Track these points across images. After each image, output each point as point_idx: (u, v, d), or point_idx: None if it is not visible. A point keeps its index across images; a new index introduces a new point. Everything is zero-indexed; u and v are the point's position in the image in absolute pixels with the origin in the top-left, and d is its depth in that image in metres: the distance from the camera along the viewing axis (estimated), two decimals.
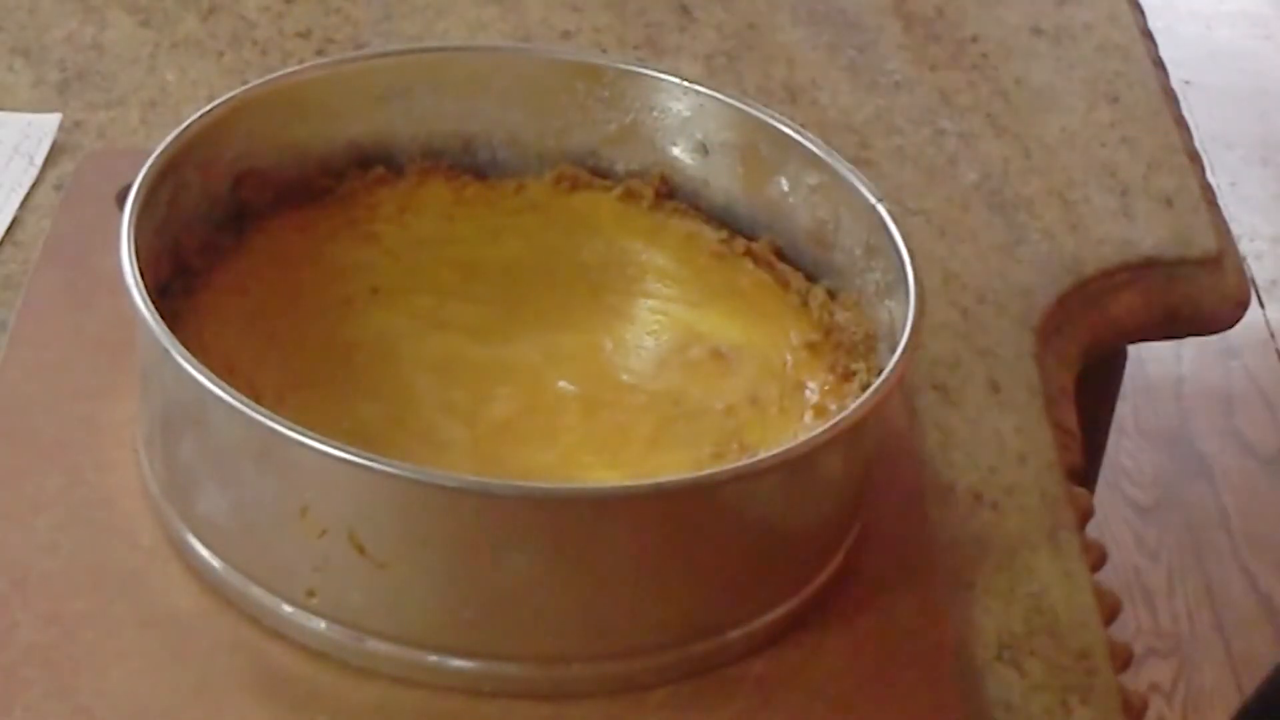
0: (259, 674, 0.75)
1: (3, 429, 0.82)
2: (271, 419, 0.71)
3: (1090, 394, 0.99)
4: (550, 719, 0.73)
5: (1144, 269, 1.00)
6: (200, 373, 0.72)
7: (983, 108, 1.09)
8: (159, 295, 0.77)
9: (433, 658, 0.74)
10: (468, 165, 0.91)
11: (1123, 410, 1.03)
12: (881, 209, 0.83)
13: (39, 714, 0.72)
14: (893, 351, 0.77)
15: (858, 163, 0.90)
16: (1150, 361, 1.00)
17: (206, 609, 0.76)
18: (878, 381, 0.76)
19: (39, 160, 0.98)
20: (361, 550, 0.72)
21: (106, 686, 0.73)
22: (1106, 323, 1.00)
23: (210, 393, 0.72)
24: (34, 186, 0.96)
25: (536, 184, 0.90)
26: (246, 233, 0.86)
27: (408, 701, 0.74)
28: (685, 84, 0.89)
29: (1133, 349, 1.04)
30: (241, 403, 0.71)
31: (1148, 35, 1.17)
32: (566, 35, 1.11)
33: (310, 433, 0.70)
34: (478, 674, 0.74)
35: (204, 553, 0.77)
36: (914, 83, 1.10)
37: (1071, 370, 0.97)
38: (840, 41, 1.13)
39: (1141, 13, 1.19)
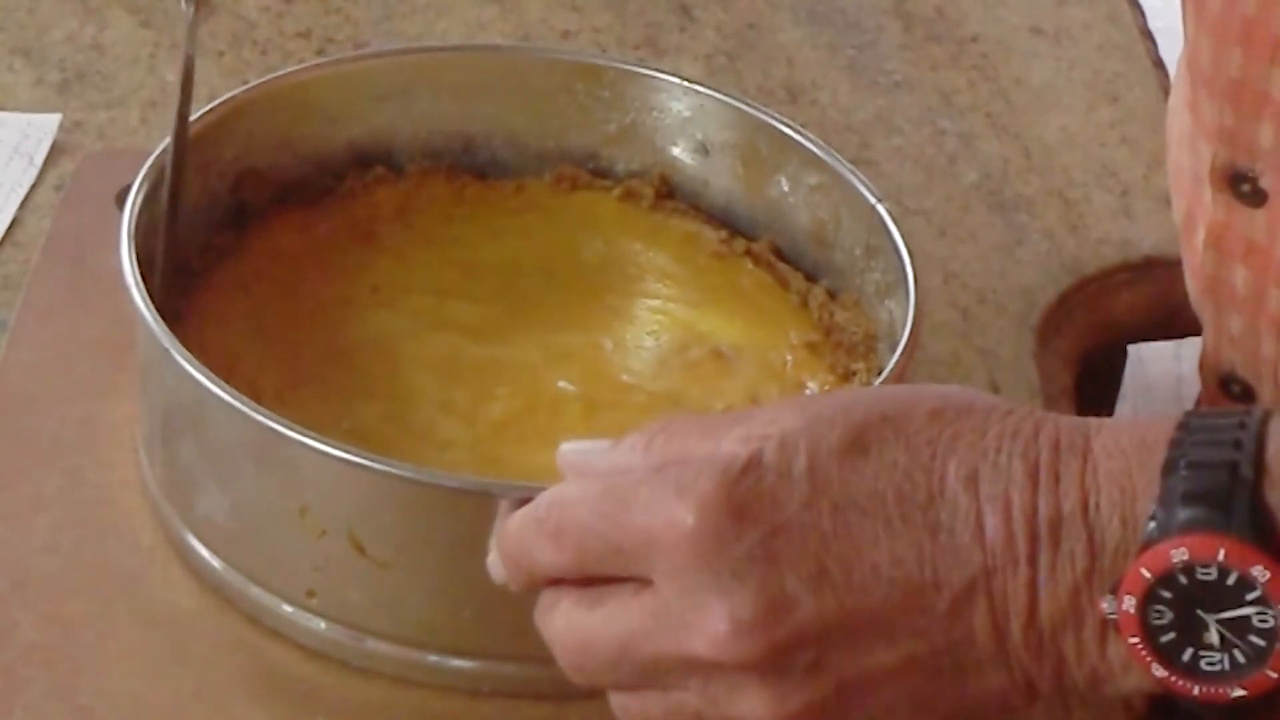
0: (259, 674, 0.75)
1: (3, 429, 0.82)
2: (272, 419, 0.71)
3: (1090, 394, 0.99)
4: (550, 719, 0.73)
5: (1144, 269, 1.00)
6: (200, 373, 0.72)
7: (983, 108, 1.09)
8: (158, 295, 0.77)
9: (433, 658, 0.74)
10: (468, 165, 0.91)
11: (1123, 410, 1.03)
12: (882, 209, 0.83)
13: (39, 714, 0.72)
14: (893, 351, 0.77)
15: (858, 163, 0.90)
16: (1150, 361, 1.00)
17: (206, 609, 0.76)
18: (877, 382, 0.76)
19: (39, 160, 0.97)
20: (361, 550, 0.72)
21: (106, 686, 0.73)
22: (1106, 323, 1.00)
23: (210, 393, 0.72)
24: (34, 186, 0.96)
25: (536, 184, 0.90)
26: (246, 233, 0.86)
27: (408, 701, 0.74)
28: (685, 84, 0.89)
29: (1133, 349, 1.04)
30: (241, 403, 0.71)
31: (1148, 35, 1.17)
32: (566, 35, 1.10)
33: (310, 433, 0.70)
34: (478, 674, 0.74)
35: (204, 553, 0.77)
36: (914, 83, 1.10)
37: (1071, 370, 0.97)
38: (840, 41, 1.12)
39: (1141, 13, 1.19)
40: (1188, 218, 0.78)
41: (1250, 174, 0.73)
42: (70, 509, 0.79)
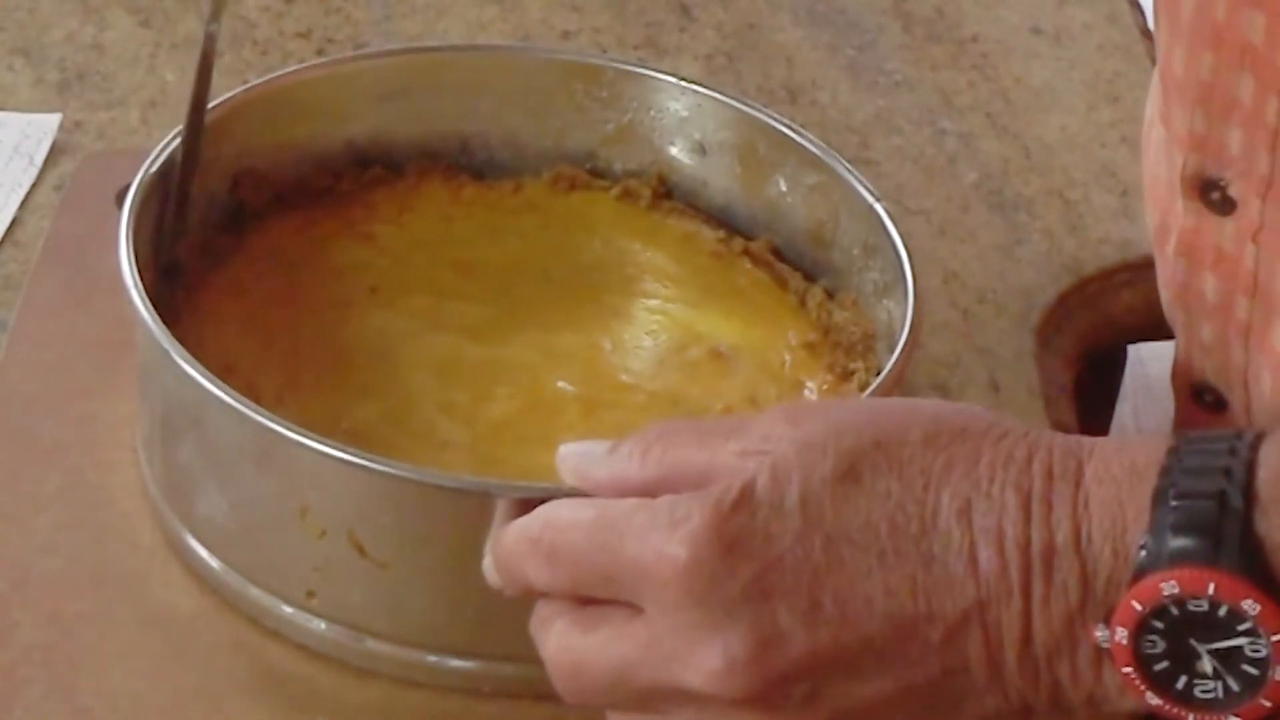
0: (259, 674, 0.75)
1: (3, 429, 0.82)
2: (272, 420, 0.71)
3: (1090, 394, 0.99)
4: (549, 719, 0.73)
5: (1144, 269, 1.00)
6: (200, 373, 0.72)
7: (983, 108, 1.09)
8: (157, 295, 0.77)
9: (432, 658, 0.74)
10: (465, 165, 0.91)
11: (1123, 410, 1.02)
12: (880, 209, 0.83)
13: (39, 714, 0.72)
14: (891, 351, 0.77)
15: (858, 163, 0.90)
16: (1150, 361, 1.00)
17: (206, 609, 0.76)
18: (876, 381, 0.76)
19: (39, 160, 0.97)
20: (361, 551, 0.72)
21: (106, 686, 0.73)
22: (1106, 323, 1.00)
23: (210, 394, 0.72)
24: (34, 186, 0.96)
25: (534, 184, 0.90)
26: (245, 233, 0.86)
27: (407, 702, 0.74)
28: (683, 84, 0.89)
29: (1133, 349, 1.04)
30: (241, 404, 0.71)
31: (1148, 35, 1.17)
32: (566, 35, 1.10)
33: (310, 434, 0.70)
34: (477, 674, 0.74)
35: (203, 553, 0.77)
36: (914, 83, 1.10)
37: (1071, 370, 0.97)
38: (840, 41, 1.13)
39: (1142, 13, 1.19)
40: (1161, 227, 0.78)
41: (1220, 182, 0.73)
42: (70, 509, 0.79)
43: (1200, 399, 0.79)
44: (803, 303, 0.86)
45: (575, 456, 0.65)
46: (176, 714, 0.73)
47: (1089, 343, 0.99)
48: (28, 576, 0.77)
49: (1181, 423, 0.81)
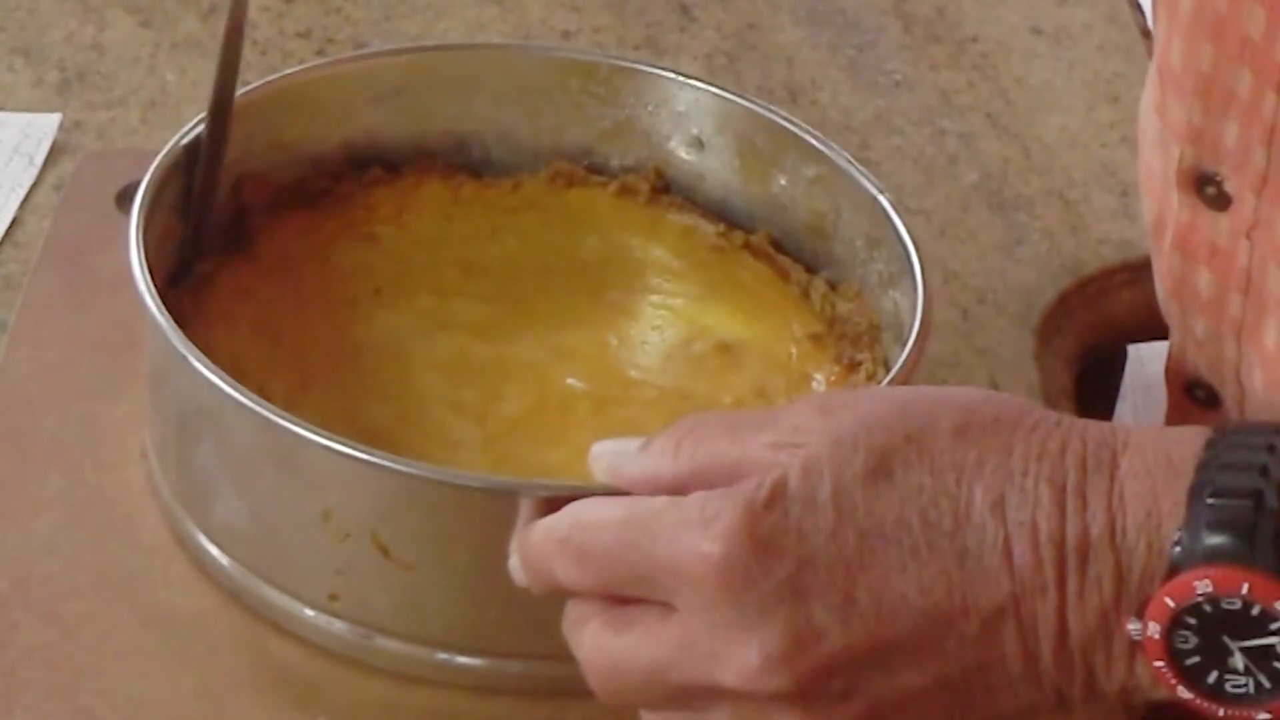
0: (261, 672, 0.74)
1: (3, 429, 0.82)
2: (295, 423, 0.70)
3: (1090, 394, 0.99)
4: (553, 717, 0.73)
5: (1144, 269, 1.00)
6: (220, 378, 0.72)
7: (983, 108, 1.09)
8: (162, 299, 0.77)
9: (440, 655, 0.74)
10: (462, 164, 0.90)
11: (1123, 410, 1.03)
12: (884, 200, 0.83)
13: (39, 714, 0.72)
14: (897, 341, 0.77)
15: (857, 163, 0.90)
16: (1150, 361, 1.00)
17: (207, 608, 0.76)
18: (895, 368, 0.76)
19: (39, 160, 0.97)
20: (386, 553, 0.72)
21: (107, 686, 0.73)
22: (1106, 322, 1.00)
23: (230, 398, 0.71)
24: (34, 186, 0.96)
25: (532, 182, 0.90)
26: (248, 236, 0.86)
27: (412, 699, 0.74)
28: (680, 79, 0.89)
29: (1133, 349, 1.04)
30: (265, 408, 0.71)
31: (1148, 35, 1.17)
32: (566, 35, 1.10)
33: (335, 436, 0.70)
34: (484, 671, 0.74)
35: (219, 557, 0.76)
36: (914, 83, 1.10)
37: (1071, 370, 0.97)
38: (840, 41, 1.13)
39: (1141, 13, 1.19)
40: (1157, 221, 0.78)
41: (1215, 176, 0.73)
42: (71, 509, 0.79)
43: (1192, 394, 0.79)
44: (805, 295, 0.86)
45: (609, 455, 0.65)
46: (178, 713, 0.73)
47: (1089, 343, 0.99)
48: (28, 576, 0.77)
49: (1173, 418, 0.81)
